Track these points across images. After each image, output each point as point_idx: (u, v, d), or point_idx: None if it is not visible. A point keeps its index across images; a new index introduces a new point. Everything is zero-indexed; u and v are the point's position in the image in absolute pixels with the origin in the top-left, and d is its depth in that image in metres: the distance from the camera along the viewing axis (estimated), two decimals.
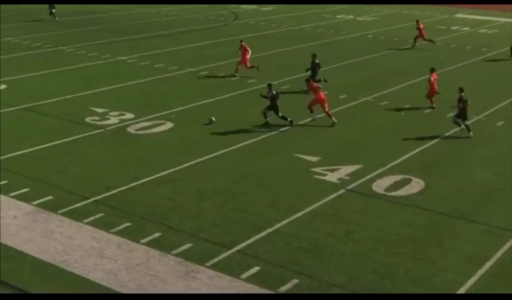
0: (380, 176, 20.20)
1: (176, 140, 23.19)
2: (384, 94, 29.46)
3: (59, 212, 17.28)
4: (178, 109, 26.77)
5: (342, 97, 29.02)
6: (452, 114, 24.65)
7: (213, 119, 25.03)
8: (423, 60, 36.37)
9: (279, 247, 15.82)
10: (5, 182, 19.10)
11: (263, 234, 16.45)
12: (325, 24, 49.94)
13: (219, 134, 23.86)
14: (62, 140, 22.82)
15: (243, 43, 32.63)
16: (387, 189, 19.30)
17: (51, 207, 17.55)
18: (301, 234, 16.45)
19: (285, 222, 17.10)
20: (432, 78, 27.37)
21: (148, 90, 29.71)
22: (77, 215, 17.09)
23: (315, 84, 25.98)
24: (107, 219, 16.94)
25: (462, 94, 24.16)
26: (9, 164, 20.46)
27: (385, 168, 20.85)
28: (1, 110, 26.10)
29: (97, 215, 17.13)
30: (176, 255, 15.30)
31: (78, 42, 40.14)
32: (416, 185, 19.66)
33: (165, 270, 14.69)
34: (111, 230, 16.35)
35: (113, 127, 24.44)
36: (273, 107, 24.77)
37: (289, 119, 24.75)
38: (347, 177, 20.07)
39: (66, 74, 32.63)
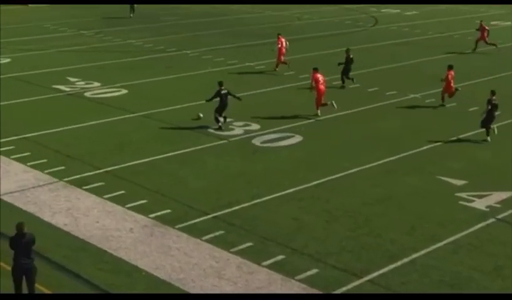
0: None
1: (305, 156, 23.38)
2: None
3: (177, 227, 17.86)
4: (307, 122, 26.99)
5: (496, 113, 28.14)
6: None
7: (201, 115, 26.48)
8: None
9: (415, 279, 15.59)
10: (122, 192, 19.99)
11: (398, 263, 16.26)
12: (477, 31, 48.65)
13: (351, 151, 23.83)
14: (183, 151, 23.58)
15: (280, 36, 35.17)
16: None
17: (168, 221, 18.18)
18: (441, 266, 16.12)
19: (423, 251, 16.83)
20: (449, 75, 28.99)
21: (276, 100, 30.14)
22: (195, 232, 17.59)
23: (320, 76, 27.86)
24: (227, 237, 17.33)
25: (494, 97, 24.89)
26: (127, 174, 21.38)
27: None
28: (121, 117, 27.33)
29: (217, 233, 17.56)
30: (301, 280, 15.41)
31: (203, 46, 41.34)
32: None
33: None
34: (231, 250, 16.70)
35: (237, 138, 24.98)
36: (223, 107, 25.67)
37: (220, 125, 25.61)
38: (498, 205, 19.47)
39: (189, 79, 33.71)
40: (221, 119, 25.66)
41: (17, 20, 50.64)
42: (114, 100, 29.69)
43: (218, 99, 25.77)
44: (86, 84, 32.30)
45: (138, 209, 18.85)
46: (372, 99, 30.39)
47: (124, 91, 31.17)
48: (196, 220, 18.26)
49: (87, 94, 30.53)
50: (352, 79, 32.15)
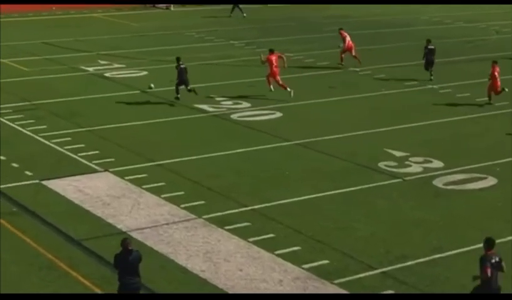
0: None
1: (500, 202, 22.75)
2: None
3: (336, 281, 17.82)
4: (504, 161, 26.28)
5: None
6: None
7: (152, 85, 34.03)
8: None
9: None
10: (271, 235, 20.20)
11: None
12: None
13: None
14: (346, 189, 23.57)
15: (342, 31, 41.17)
16: None
17: (325, 273, 18.17)
18: None
19: None
20: (495, 72, 33.02)
21: (462, 133, 29.56)
22: (358, 289, 17.48)
23: (273, 56, 33.96)
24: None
25: None
26: (277, 214, 21.57)
27: None
28: (274, 145, 27.69)
29: (385, 292, 17.36)
30: None
31: (376, 62, 41.23)
32: None
33: None
34: None
35: (414, 177, 24.68)
36: (183, 81, 32.59)
37: (178, 95, 32.89)
38: None
39: (357, 102, 33.73)
40: (181, 95, 32.86)
41: (158, 27, 52.57)
42: (266, 124, 30.15)
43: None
44: (234, 104, 33.00)
45: (289, 257, 18.96)
46: None
47: (278, 114, 31.57)
48: (359, 275, 18.14)
49: (234, 116, 31.18)
50: (431, 75, 37.26)
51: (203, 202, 22.34)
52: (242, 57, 43.10)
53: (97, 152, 26.49)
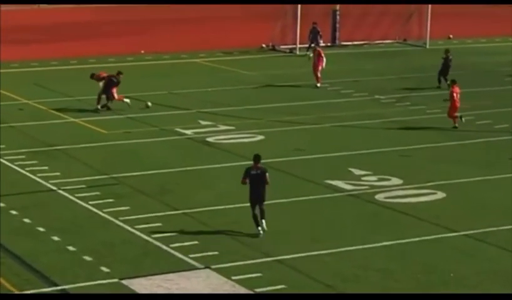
0: None
1: None
2: None
3: None
4: None
5: None
6: None
7: (149, 104, 42.99)
8: None
9: None
10: None
11: None
12: None
13: None
14: None
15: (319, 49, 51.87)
16: None
17: None
18: None
19: None
20: (454, 93, 41.18)
21: None
22: None
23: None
24: None
25: None
26: None
27: None
28: (433, 236, 27.32)
29: None
30: None
31: None
32: None
33: None
34: None
35: None
36: (106, 92, 42.93)
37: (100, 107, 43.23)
38: None
39: None
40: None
41: (278, 76, 52.70)
42: (424, 208, 29.90)
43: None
44: (379, 180, 32.80)
45: None
46: None
47: (441, 194, 31.24)
48: None
49: (380, 197, 30.99)
50: (448, 83, 45.48)
51: None
52: (391, 117, 42.96)
53: (195, 242, 26.63)
